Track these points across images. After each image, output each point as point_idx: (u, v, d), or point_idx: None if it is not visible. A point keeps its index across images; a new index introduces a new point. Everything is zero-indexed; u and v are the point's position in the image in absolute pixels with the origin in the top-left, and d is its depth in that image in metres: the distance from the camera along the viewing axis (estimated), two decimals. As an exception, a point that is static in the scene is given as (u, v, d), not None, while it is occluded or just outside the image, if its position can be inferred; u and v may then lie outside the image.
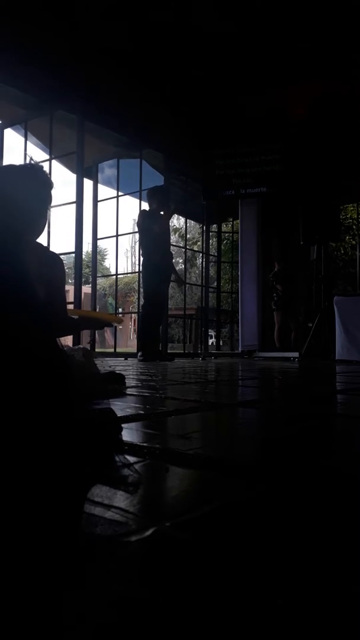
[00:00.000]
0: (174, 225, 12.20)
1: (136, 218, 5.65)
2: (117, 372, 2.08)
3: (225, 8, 4.57)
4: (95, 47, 5.14)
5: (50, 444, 0.73)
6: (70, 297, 5.22)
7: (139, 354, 5.35)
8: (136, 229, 5.72)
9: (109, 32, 4.96)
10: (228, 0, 4.47)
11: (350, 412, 1.61)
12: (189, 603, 0.38)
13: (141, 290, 5.85)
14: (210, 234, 8.96)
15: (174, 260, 6.08)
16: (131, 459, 0.80)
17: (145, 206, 5.62)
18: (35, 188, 1.38)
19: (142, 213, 5.39)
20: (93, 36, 4.98)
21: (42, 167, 1.43)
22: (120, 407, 1.44)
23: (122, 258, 43.01)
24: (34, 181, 1.38)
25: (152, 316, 5.41)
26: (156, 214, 5.39)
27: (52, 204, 1.54)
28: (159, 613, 0.36)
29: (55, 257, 1.46)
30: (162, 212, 5.44)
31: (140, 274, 5.72)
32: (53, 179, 1.55)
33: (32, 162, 1.46)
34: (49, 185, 1.42)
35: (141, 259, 5.58)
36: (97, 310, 7.43)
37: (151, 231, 5.27)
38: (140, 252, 5.55)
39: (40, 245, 1.41)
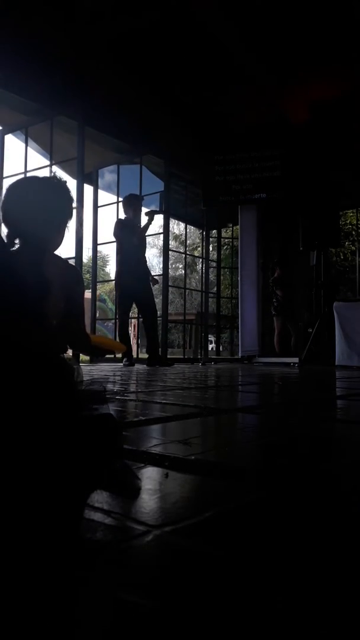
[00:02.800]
0: (174, 232, 12.22)
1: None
2: (95, 387, 2.06)
3: (228, 9, 4.58)
4: (96, 53, 5.17)
5: (50, 450, 0.73)
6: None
7: (124, 360, 5.43)
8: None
9: (110, 39, 4.98)
10: (230, 1, 4.49)
11: (350, 417, 1.61)
12: (190, 608, 0.38)
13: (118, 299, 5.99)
14: (210, 239, 8.98)
15: (173, 266, 6.09)
16: (131, 464, 0.80)
17: (122, 216, 5.63)
18: (59, 200, 1.39)
19: (119, 222, 5.41)
20: (94, 42, 5.01)
21: (65, 181, 1.44)
22: (120, 412, 1.44)
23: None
24: (58, 193, 1.39)
25: (124, 323, 5.51)
26: (133, 223, 5.42)
27: None
28: (160, 618, 0.36)
29: (77, 270, 1.47)
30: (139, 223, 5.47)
31: (115, 282, 5.80)
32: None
33: (55, 175, 1.47)
34: (70, 199, 1.42)
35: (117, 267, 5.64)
36: (97, 315, 7.43)
37: (130, 242, 5.30)
38: (117, 259, 5.61)
39: (60, 258, 1.41)
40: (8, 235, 1.31)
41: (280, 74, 5.55)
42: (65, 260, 1.43)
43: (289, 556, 0.48)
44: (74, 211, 1.46)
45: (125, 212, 5.45)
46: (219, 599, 0.39)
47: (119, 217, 5.70)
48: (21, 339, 0.85)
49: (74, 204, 1.46)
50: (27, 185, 1.41)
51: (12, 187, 1.34)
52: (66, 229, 1.42)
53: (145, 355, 5.75)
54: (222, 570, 0.45)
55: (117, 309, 5.56)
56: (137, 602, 0.38)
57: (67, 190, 1.41)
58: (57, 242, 1.40)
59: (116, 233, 5.40)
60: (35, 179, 1.49)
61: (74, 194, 1.48)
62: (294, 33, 4.88)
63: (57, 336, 1.33)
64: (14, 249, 1.31)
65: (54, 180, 1.43)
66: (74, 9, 4.56)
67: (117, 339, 5.64)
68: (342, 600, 0.40)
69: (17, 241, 1.32)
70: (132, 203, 5.43)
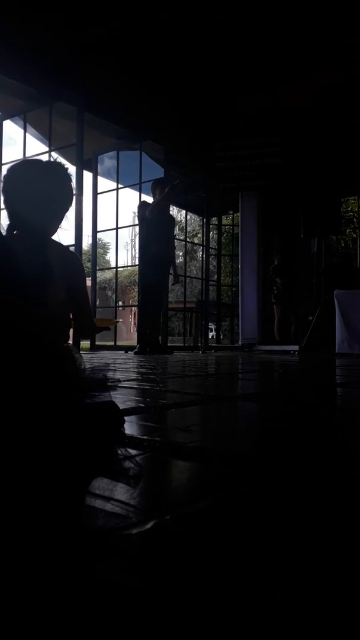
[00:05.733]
0: (175, 218, 12.16)
1: (136, 211, 5.60)
2: (97, 375, 2.07)
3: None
4: (94, 38, 5.09)
5: (52, 437, 0.73)
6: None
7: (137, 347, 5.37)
8: (136, 222, 5.70)
9: (108, 23, 4.91)
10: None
11: (350, 404, 1.62)
12: (189, 596, 0.38)
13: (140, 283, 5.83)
14: (211, 226, 8.93)
15: (175, 253, 6.03)
16: (132, 451, 0.80)
17: (146, 198, 5.58)
18: (60, 185, 1.37)
19: (142, 204, 5.35)
20: (92, 27, 4.93)
21: (67, 167, 1.42)
22: (121, 399, 1.44)
23: (122, 251, 42.97)
24: (58, 178, 1.37)
25: (150, 310, 5.39)
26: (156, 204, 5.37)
27: None
28: (159, 605, 0.36)
29: (77, 258, 1.46)
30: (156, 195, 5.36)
31: (138, 267, 5.67)
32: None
33: (56, 160, 1.46)
34: (71, 184, 1.41)
35: (139, 251, 5.54)
36: (97, 303, 7.43)
37: (148, 220, 5.21)
38: (139, 243, 5.50)
39: (61, 244, 1.40)
40: (9, 218, 1.29)
41: (282, 60, 5.47)
42: (66, 248, 1.42)
43: (288, 544, 0.48)
44: (74, 197, 1.44)
45: (153, 195, 5.36)
46: (218, 585, 0.39)
47: (143, 199, 5.59)
48: (22, 324, 0.84)
49: (74, 190, 1.45)
50: (27, 168, 1.39)
51: (12, 170, 1.33)
52: (64, 213, 1.40)
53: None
54: (221, 557, 0.45)
55: (143, 297, 5.40)
56: (136, 588, 0.38)
57: (68, 175, 1.40)
58: (55, 227, 1.39)
59: (139, 214, 5.32)
60: (36, 162, 1.47)
61: (73, 181, 1.47)
62: (296, 19, 4.80)
63: (58, 323, 1.33)
64: (14, 233, 1.30)
65: (54, 165, 1.42)
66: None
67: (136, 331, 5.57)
68: (341, 587, 0.40)
69: (17, 225, 1.31)
70: (159, 185, 5.34)
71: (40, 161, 1.45)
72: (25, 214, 1.29)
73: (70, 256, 1.41)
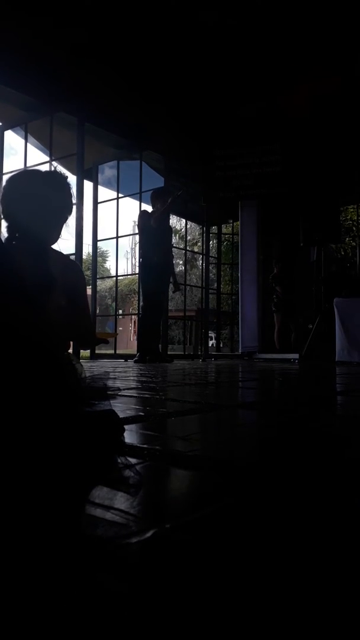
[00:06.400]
0: (175, 227, 12.21)
1: (136, 220, 5.63)
2: (97, 384, 2.08)
3: (225, 7, 4.57)
4: (94, 49, 5.15)
5: (52, 446, 0.73)
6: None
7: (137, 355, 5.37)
8: (136, 230, 5.72)
9: (109, 34, 4.96)
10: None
11: (350, 413, 1.61)
12: (189, 605, 0.38)
13: (141, 291, 5.84)
14: (211, 235, 8.96)
15: (174, 262, 6.05)
16: (132, 460, 0.80)
17: (146, 207, 5.61)
18: (59, 195, 1.38)
19: (143, 213, 5.38)
20: (93, 38, 4.99)
21: (67, 176, 1.44)
22: (121, 408, 1.44)
23: (122, 260, 43.06)
24: (58, 188, 1.38)
25: (151, 318, 5.40)
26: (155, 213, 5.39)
27: None
28: (160, 614, 0.36)
29: (77, 266, 1.47)
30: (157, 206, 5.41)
31: (139, 275, 5.68)
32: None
33: (56, 170, 1.48)
34: (71, 194, 1.42)
35: (140, 259, 5.56)
36: (97, 311, 7.44)
37: (149, 229, 5.24)
38: (140, 252, 5.52)
39: (61, 253, 1.41)
40: (8, 228, 1.30)
41: (281, 69, 5.52)
42: (67, 256, 1.43)
43: (288, 551, 0.48)
44: (74, 207, 1.45)
45: (153, 204, 5.40)
46: (218, 594, 0.39)
47: (143, 209, 5.63)
48: (25, 330, 0.85)
49: (74, 199, 1.46)
50: (27, 178, 1.40)
51: (12, 180, 1.34)
52: (65, 224, 1.41)
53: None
54: (221, 566, 0.45)
55: (144, 305, 5.41)
56: (137, 597, 0.39)
57: (67, 184, 1.41)
58: (55, 236, 1.40)
59: (139, 223, 5.33)
60: (36, 172, 1.48)
61: (74, 190, 1.48)
62: (295, 26, 4.85)
63: (58, 331, 1.33)
64: (14, 242, 1.30)
65: (54, 175, 1.43)
66: (74, 7, 4.54)
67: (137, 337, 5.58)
68: (342, 597, 0.40)
69: (17, 235, 1.32)
70: (159, 195, 5.38)
71: (39, 171, 1.46)
72: (24, 223, 1.30)
73: (70, 263, 1.42)
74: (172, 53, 5.29)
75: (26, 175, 1.46)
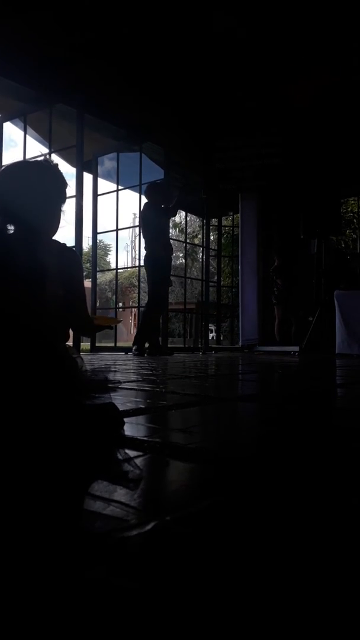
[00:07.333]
0: (174, 220, 12.18)
1: (136, 212, 5.61)
2: (98, 377, 2.07)
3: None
4: (94, 41, 5.10)
5: (52, 439, 0.73)
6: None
7: (134, 347, 5.35)
8: (136, 223, 5.70)
9: (108, 25, 4.92)
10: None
11: (349, 405, 1.62)
12: (190, 597, 0.38)
13: (142, 284, 5.82)
14: (211, 227, 8.93)
15: (174, 255, 6.05)
16: (132, 453, 0.80)
17: (145, 200, 5.58)
18: (51, 184, 1.38)
19: (149, 206, 5.37)
20: (92, 28, 4.94)
21: (57, 164, 1.43)
22: (121, 401, 1.44)
23: (122, 252, 43.00)
24: (50, 177, 1.38)
25: (157, 312, 5.42)
26: (161, 208, 5.39)
27: None
28: (160, 605, 0.37)
29: (73, 253, 1.46)
30: (162, 206, 5.41)
31: (144, 268, 5.65)
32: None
33: (47, 159, 1.47)
34: (64, 182, 1.42)
35: (143, 252, 5.54)
36: (98, 304, 7.43)
37: (156, 224, 5.24)
38: (144, 245, 5.50)
39: (57, 242, 1.40)
40: (1, 220, 1.30)
41: (282, 61, 5.47)
42: (63, 244, 1.42)
43: (287, 542, 0.49)
44: (68, 196, 1.44)
45: (153, 199, 5.37)
46: (218, 585, 0.40)
47: (146, 201, 5.62)
48: (24, 319, 0.85)
49: (67, 188, 1.45)
50: (17, 169, 1.40)
51: (2, 171, 1.34)
52: (61, 213, 1.41)
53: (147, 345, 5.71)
54: (221, 558, 0.45)
55: (151, 297, 5.40)
56: (136, 589, 0.39)
57: (59, 173, 1.40)
58: (53, 227, 1.40)
59: (144, 216, 5.31)
60: (25, 163, 1.48)
61: (73, 182, 1.47)
62: (297, 19, 4.80)
63: (57, 322, 1.33)
64: (8, 233, 1.30)
65: (44, 164, 1.42)
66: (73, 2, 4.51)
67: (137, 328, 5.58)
68: (341, 588, 0.40)
69: (10, 227, 1.31)
70: (159, 191, 5.38)
71: (29, 161, 1.46)
72: (17, 214, 1.30)
73: (67, 251, 1.41)
74: (172, 44, 5.24)
75: (15, 166, 1.46)
